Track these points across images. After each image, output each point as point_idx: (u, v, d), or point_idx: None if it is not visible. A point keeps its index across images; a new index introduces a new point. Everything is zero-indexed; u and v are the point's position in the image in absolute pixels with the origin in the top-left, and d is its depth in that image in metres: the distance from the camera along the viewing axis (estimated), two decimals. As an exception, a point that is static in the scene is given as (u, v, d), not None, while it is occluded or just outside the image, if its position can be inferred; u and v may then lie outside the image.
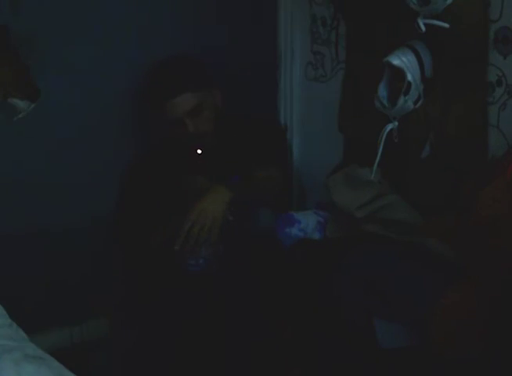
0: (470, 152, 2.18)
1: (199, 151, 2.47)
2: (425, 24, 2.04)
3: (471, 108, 2.15)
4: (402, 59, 2.11)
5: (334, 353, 2.10)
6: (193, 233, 2.25)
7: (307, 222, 2.51)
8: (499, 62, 2.09)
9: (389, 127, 2.21)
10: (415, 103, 2.16)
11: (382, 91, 2.20)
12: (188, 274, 2.44)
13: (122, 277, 2.63)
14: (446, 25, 2.02)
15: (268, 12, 2.79)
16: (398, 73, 2.14)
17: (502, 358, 1.76)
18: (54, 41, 2.44)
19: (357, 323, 2.06)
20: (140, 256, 2.55)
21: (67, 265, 2.60)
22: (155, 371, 2.32)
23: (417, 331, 1.96)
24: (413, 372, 1.97)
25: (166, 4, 2.64)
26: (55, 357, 1.51)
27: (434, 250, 2.01)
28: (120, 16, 2.55)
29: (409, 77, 2.11)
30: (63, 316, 2.64)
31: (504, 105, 2.10)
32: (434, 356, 1.87)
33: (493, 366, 1.78)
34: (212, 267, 2.47)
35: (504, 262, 1.77)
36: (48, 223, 2.55)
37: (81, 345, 2.68)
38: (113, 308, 2.65)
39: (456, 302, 1.82)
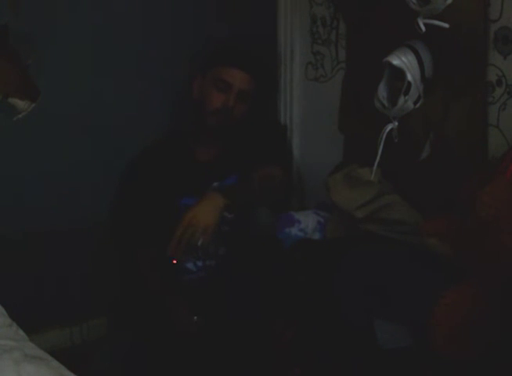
0: (470, 152, 2.18)
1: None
2: (425, 24, 2.04)
3: (471, 108, 2.15)
4: (402, 59, 2.11)
5: (334, 353, 2.10)
6: (184, 239, 2.25)
7: (307, 222, 2.51)
8: (499, 62, 2.09)
9: (389, 127, 2.21)
10: (415, 103, 2.16)
11: (382, 91, 2.20)
12: (185, 283, 2.45)
13: (120, 277, 2.63)
14: (446, 25, 2.02)
15: (268, 12, 2.79)
16: (398, 73, 2.14)
17: (502, 358, 1.76)
18: (54, 41, 2.44)
19: (357, 323, 2.06)
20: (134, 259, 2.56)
21: (67, 265, 2.59)
22: (155, 371, 2.32)
23: (417, 331, 1.96)
24: (413, 372, 1.97)
25: (165, 4, 2.65)
26: (55, 357, 1.51)
27: (434, 250, 2.01)
28: (120, 16, 2.55)
29: (409, 77, 2.11)
30: (63, 316, 2.64)
31: (504, 105, 2.10)
32: (434, 356, 1.87)
33: (493, 366, 1.78)
34: (211, 270, 2.48)
35: (504, 262, 1.77)
36: (48, 223, 2.55)
37: (81, 345, 2.68)
38: (113, 308, 2.65)
39: (456, 302, 1.82)
